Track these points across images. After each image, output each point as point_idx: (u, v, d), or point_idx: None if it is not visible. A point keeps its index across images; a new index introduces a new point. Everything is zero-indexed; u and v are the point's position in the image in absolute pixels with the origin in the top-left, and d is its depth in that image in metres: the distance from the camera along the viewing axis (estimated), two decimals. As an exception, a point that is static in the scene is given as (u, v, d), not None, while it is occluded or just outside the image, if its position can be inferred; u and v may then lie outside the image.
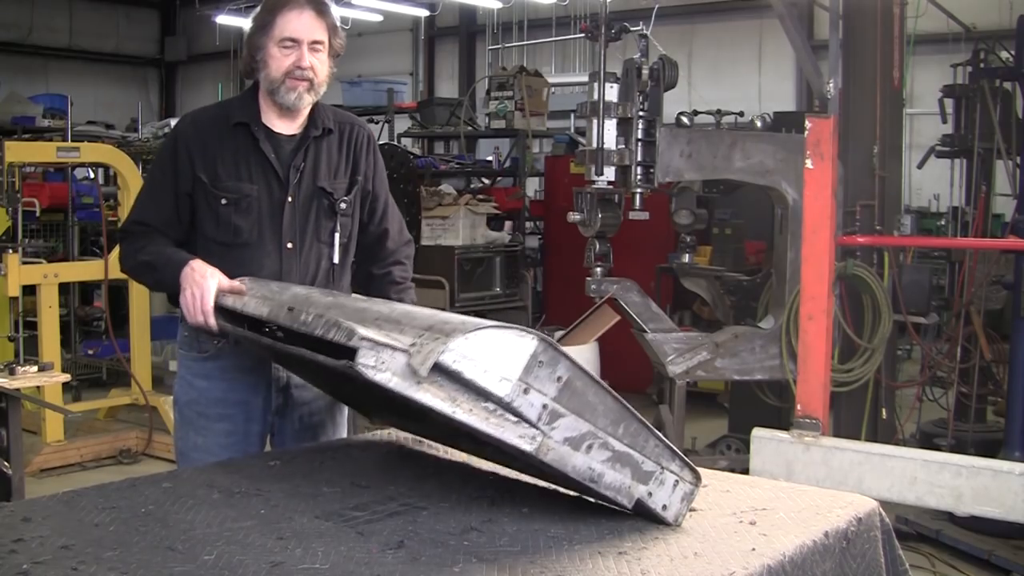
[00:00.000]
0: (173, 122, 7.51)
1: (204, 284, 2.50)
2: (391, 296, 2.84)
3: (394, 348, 1.74)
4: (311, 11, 2.66)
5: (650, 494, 1.94)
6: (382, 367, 1.73)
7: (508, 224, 8.67)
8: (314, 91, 2.70)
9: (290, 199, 2.72)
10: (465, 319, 1.87)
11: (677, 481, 1.96)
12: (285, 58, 2.65)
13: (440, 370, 1.73)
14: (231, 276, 2.64)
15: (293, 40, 2.64)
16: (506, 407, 1.75)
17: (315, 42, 2.67)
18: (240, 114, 2.73)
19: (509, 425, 1.75)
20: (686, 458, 1.99)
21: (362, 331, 1.76)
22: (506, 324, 1.80)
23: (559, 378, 1.78)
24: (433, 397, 1.72)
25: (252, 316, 2.32)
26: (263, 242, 2.71)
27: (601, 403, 1.85)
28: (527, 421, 1.76)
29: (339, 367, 1.81)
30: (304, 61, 2.65)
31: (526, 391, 1.75)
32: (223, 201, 2.67)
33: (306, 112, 2.76)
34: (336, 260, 2.79)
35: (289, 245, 2.72)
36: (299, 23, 2.64)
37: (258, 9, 2.72)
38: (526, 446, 1.75)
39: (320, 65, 2.69)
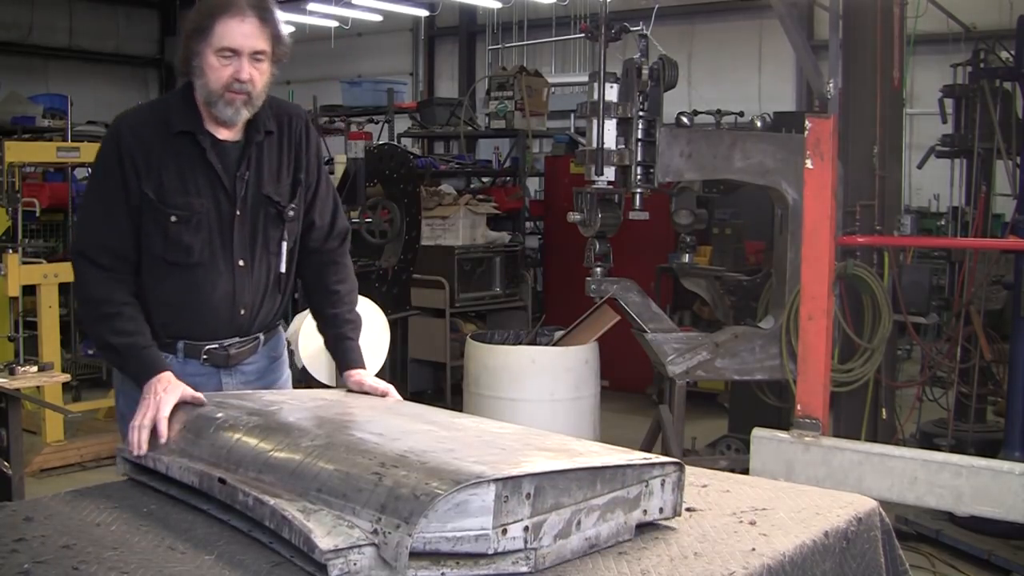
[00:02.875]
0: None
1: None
2: (328, 312, 2.73)
3: (360, 546, 1.64)
4: (254, 18, 2.42)
5: (645, 511, 1.93)
6: (356, 570, 1.63)
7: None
8: (251, 104, 2.49)
9: (239, 212, 2.53)
10: (416, 470, 1.73)
11: (663, 480, 1.96)
12: (223, 68, 2.43)
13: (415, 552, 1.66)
14: (183, 298, 2.51)
15: (232, 51, 2.42)
16: (491, 556, 1.69)
17: (257, 52, 2.44)
18: (182, 122, 2.51)
19: (501, 561, 1.70)
20: (661, 458, 1.99)
21: (321, 539, 1.63)
22: (460, 472, 1.68)
23: (528, 495, 1.71)
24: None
25: (181, 482, 2.09)
26: (215, 260, 2.53)
27: (574, 479, 1.79)
28: (514, 551, 1.71)
29: (309, 570, 1.70)
30: (243, 74, 2.43)
31: (504, 531, 1.69)
32: (173, 218, 2.47)
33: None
34: (283, 269, 2.64)
35: (241, 263, 2.56)
36: (240, 32, 2.41)
37: (195, 7, 2.48)
38: (524, 568, 1.71)
39: (260, 76, 2.47)
